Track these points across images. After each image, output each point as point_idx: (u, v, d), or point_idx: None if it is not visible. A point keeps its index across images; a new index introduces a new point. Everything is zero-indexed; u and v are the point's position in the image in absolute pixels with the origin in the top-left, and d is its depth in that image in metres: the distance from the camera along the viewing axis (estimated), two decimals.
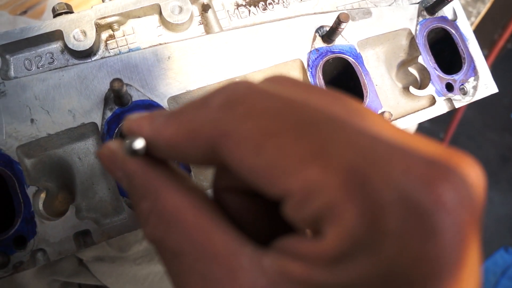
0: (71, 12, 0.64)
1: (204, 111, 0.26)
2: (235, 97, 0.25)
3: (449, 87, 0.71)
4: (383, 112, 0.60)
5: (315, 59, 0.66)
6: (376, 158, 0.20)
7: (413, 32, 0.71)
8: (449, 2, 0.69)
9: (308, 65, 0.65)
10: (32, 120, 0.58)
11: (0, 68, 0.58)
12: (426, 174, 0.20)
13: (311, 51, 0.66)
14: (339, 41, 0.68)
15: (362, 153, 0.20)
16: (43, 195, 0.58)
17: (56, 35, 0.60)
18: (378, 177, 0.20)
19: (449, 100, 0.71)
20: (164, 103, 0.60)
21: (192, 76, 0.61)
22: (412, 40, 0.72)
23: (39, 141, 0.58)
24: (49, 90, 0.59)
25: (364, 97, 0.67)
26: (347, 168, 0.20)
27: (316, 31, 0.67)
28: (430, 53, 0.71)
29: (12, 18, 0.95)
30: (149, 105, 0.59)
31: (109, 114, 0.59)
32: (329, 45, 0.67)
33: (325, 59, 0.66)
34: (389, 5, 0.73)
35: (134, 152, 0.30)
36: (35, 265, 0.57)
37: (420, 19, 0.72)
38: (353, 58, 0.67)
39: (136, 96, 0.60)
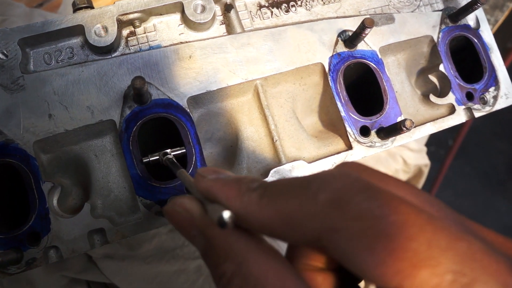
0: (91, 7, 0.63)
1: (309, 203, 0.27)
2: (343, 195, 0.27)
3: (469, 96, 0.71)
4: (404, 120, 0.59)
5: (337, 63, 0.65)
6: (476, 263, 0.24)
7: (435, 40, 0.70)
8: (473, 10, 0.69)
9: (330, 69, 0.65)
10: (50, 115, 0.57)
11: (20, 62, 0.57)
12: None
13: (333, 55, 0.65)
14: (361, 46, 0.67)
15: (463, 259, 0.24)
16: (57, 192, 0.58)
17: (77, 30, 0.59)
18: (480, 282, 0.23)
19: (469, 109, 0.70)
20: (183, 103, 0.59)
21: (213, 77, 0.60)
22: (434, 48, 0.71)
23: (56, 137, 0.57)
24: (68, 85, 0.58)
25: (384, 103, 0.66)
26: (453, 272, 0.23)
27: (339, 35, 0.66)
28: (452, 61, 0.70)
29: (29, 10, 0.94)
30: (169, 104, 0.59)
31: (128, 112, 0.58)
32: (351, 50, 0.66)
33: (346, 63, 0.65)
34: (412, 11, 0.72)
35: (222, 224, 0.29)
36: (47, 262, 0.56)
37: (443, 26, 0.71)
38: (374, 64, 0.66)
39: (155, 95, 0.59)
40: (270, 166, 0.62)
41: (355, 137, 0.64)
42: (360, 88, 0.69)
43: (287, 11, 0.67)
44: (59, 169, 0.60)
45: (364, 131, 0.65)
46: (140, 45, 0.62)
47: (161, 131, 0.61)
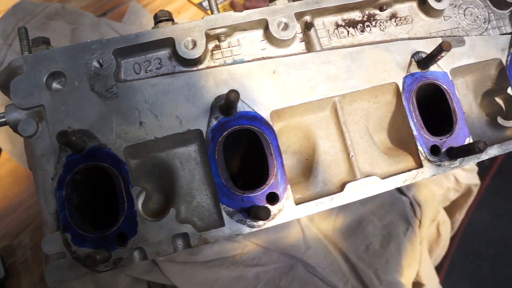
0: (172, 19, 0.66)
1: None
2: None
3: None
4: (478, 141, 0.61)
5: (410, 83, 0.67)
6: None
7: (504, 63, 0.72)
8: None
9: (404, 89, 0.67)
10: (141, 123, 0.60)
11: (114, 71, 0.60)
12: None
13: (406, 75, 0.67)
14: (433, 68, 0.69)
15: None
16: (143, 196, 0.60)
17: (167, 42, 0.62)
18: None
19: None
20: (267, 116, 0.61)
21: (295, 92, 0.63)
22: (502, 71, 0.72)
23: (146, 144, 0.60)
24: (159, 95, 0.61)
25: (454, 124, 0.68)
26: None
27: (412, 56, 0.68)
28: None
29: (97, 19, 0.98)
30: (253, 117, 0.61)
31: (214, 122, 0.61)
32: (424, 70, 0.68)
33: (419, 84, 0.67)
34: (480, 34, 0.74)
35: None
36: (132, 262, 0.59)
37: None
38: (445, 86, 0.68)
39: (240, 107, 0.61)
40: (345, 180, 0.64)
41: (426, 155, 0.66)
42: (427, 108, 0.71)
43: (362, 31, 0.70)
44: (143, 174, 0.62)
45: (434, 150, 0.67)
46: (225, 58, 0.65)
47: (243, 142, 0.63)
